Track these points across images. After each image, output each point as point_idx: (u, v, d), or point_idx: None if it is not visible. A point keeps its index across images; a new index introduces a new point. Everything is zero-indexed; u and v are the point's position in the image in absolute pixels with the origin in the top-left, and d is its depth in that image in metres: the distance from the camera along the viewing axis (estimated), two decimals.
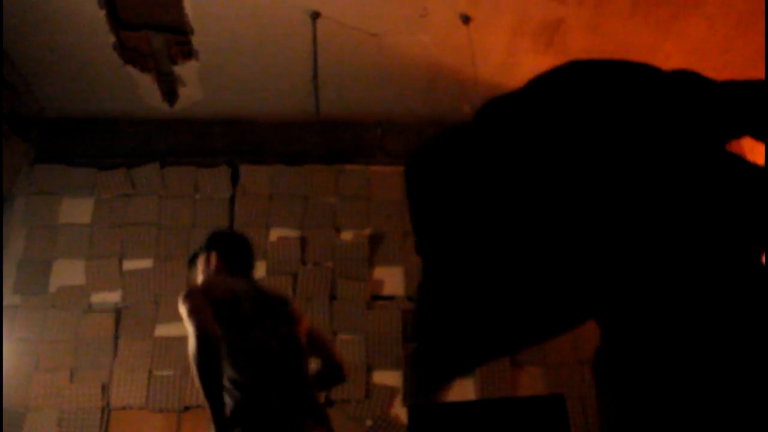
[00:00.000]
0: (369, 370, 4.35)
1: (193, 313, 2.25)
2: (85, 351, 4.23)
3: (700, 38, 4.61)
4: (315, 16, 4.23)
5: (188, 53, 4.51)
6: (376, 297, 4.60)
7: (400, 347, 4.40)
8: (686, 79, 1.37)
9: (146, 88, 4.76)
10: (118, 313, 4.35)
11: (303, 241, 4.71)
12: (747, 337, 1.01)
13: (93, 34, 4.28)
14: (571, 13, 4.35)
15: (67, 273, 4.50)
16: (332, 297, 4.54)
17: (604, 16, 4.38)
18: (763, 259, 1.14)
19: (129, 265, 4.52)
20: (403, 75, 4.76)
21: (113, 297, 4.45)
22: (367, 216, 4.85)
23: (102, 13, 4.13)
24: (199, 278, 2.83)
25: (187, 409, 4.13)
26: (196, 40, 4.40)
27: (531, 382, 4.40)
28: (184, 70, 4.64)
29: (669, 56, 4.75)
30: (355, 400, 4.25)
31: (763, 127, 1.29)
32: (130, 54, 4.50)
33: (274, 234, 4.73)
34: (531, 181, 1.18)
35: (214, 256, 2.81)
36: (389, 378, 4.34)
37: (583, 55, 4.79)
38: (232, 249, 2.86)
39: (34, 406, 4.09)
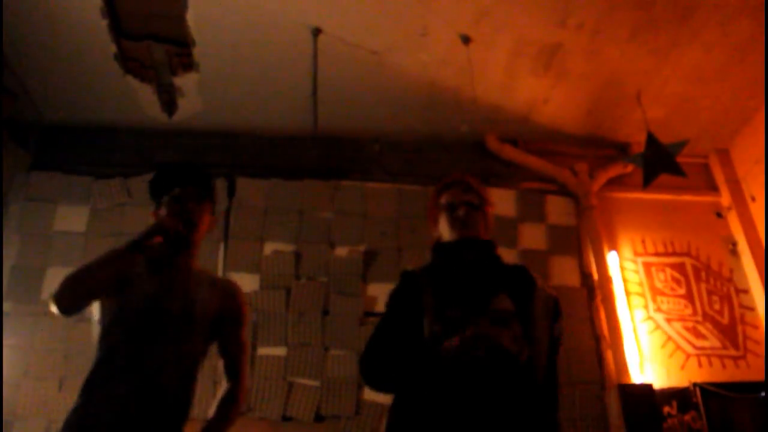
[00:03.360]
0: (360, 386, 4.32)
1: None
2: (75, 360, 4.20)
3: (698, 65, 4.65)
4: (316, 32, 4.25)
5: (189, 65, 4.53)
6: (368, 313, 4.58)
7: None
8: None
9: (146, 98, 4.78)
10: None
11: (297, 256, 4.70)
12: None
13: (94, 43, 4.30)
14: (570, 38, 4.39)
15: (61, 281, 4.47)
16: (325, 312, 4.53)
17: (602, 41, 4.42)
18: None
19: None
20: (402, 93, 4.79)
21: None
22: (362, 232, 4.85)
23: (104, 23, 4.15)
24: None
25: None
26: (197, 52, 4.42)
27: None
28: (184, 81, 4.65)
29: (666, 82, 4.79)
30: (346, 416, 4.23)
31: None
32: (130, 64, 4.52)
33: (269, 247, 4.73)
34: None
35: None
36: (380, 395, 4.31)
37: (581, 79, 4.89)
38: None
39: (22, 414, 4.06)
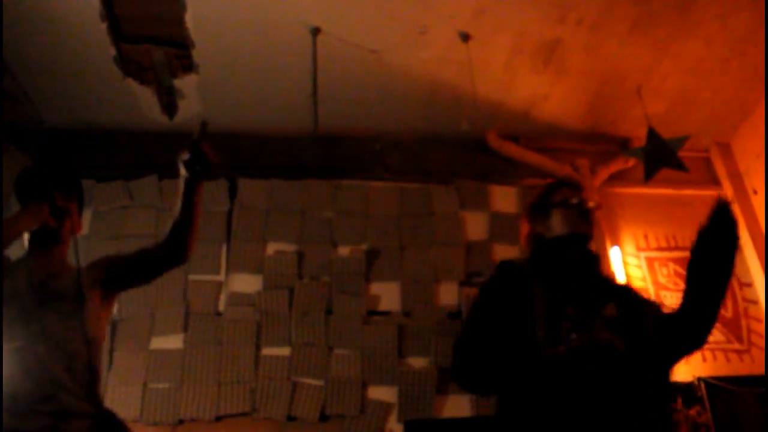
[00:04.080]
0: (364, 385, 4.33)
1: None
2: None
3: (698, 58, 4.65)
4: (315, 31, 4.25)
5: (188, 67, 4.53)
6: (372, 312, 4.59)
7: (395, 363, 4.39)
8: None
9: (146, 100, 4.78)
10: (113, 325, 4.32)
11: (300, 256, 4.70)
12: None
13: (94, 46, 4.30)
14: (570, 33, 4.38)
15: None
16: (328, 312, 4.53)
17: (602, 36, 4.42)
18: None
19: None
20: (402, 91, 4.79)
21: None
22: (364, 231, 4.85)
23: (103, 26, 4.15)
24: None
25: (181, 422, 4.10)
26: (196, 54, 4.42)
27: None
28: (184, 83, 4.66)
29: (667, 76, 4.79)
30: (350, 415, 4.23)
31: None
32: (130, 67, 4.52)
33: (271, 248, 4.73)
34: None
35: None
36: (384, 394, 4.32)
37: (581, 75, 4.87)
38: None
39: None
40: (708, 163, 5.53)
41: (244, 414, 4.16)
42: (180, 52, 4.44)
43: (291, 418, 4.19)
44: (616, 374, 1.98)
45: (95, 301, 2.35)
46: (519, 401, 2.05)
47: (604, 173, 5.21)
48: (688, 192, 5.29)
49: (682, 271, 4.99)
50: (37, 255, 2.37)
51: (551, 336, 2.01)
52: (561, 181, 2.41)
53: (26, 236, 2.39)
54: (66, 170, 2.58)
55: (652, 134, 4.45)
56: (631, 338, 2.06)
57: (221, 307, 4.48)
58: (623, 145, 5.33)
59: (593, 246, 2.33)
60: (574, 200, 2.30)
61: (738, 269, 5.03)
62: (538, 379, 1.98)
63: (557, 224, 2.28)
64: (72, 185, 2.53)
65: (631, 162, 5.19)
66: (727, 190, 5.30)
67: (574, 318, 2.04)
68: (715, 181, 5.42)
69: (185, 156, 2.40)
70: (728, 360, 4.71)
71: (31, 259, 2.36)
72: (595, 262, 2.29)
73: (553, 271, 2.19)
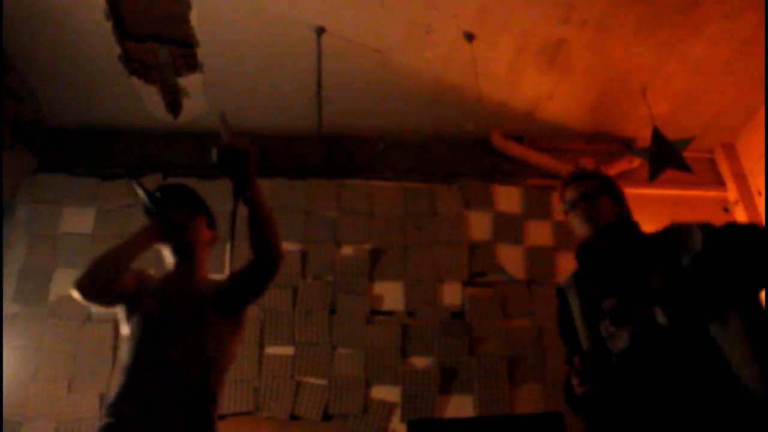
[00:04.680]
0: (367, 385, 4.33)
1: None
2: (84, 361, 4.22)
3: (703, 59, 4.64)
4: (320, 31, 4.26)
5: (193, 65, 4.54)
6: (375, 312, 4.59)
7: (399, 362, 4.39)
8: None
9: (150, 99, 4.79)
10: (117, 323, 4.32)
11: (303, 255, 4.71)
12: None
13: (99, 44, 4.31)
14: (574, 33, 4.38)
15: (68, 283, 4.41)
16: (332, 311, 4.54)
17: (606, 36, 4.41)
18: None
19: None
20: (406, 91, 4.79)
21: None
22: (367, 230, 4.85)
23: (108, 25, 4.17)
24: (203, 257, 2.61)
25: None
26: (201, 53, 4.43)
27: (530, 399, 4.38)
28: (189, 82, 4.67)
29: (671, 77, 4.78)
30: (354, 415, 4.23)
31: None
32: (135, 65, 4.53)
33: None
34: None
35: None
36: (388, 393, 4.33)
37: (585, 75, 4.87)
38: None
39: (31, 415, 4.08)
40: (712, 163, 5.51)
41: (248, 413, 4.17)
42: (185, 51, 4.45)
43: (294, 417, 4.20)
44: (665, 355, 1.85)
45: (208, 322, 2.38)
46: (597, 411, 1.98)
47: (608, 173, 5.19)
48: (693, 193, 5.28)
49: None
50: (175, 272, 2.53)
51: (595, 340, 2.00)
52: (564, 180, 2.32)
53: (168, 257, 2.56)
54: (185, 189, 2.70)
55: (657, 135, 4.45)
56: (682, 299, 1.88)
57: None
58: (627, 146, 5.32)
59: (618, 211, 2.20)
60: (572, 195, 2.24)
61: None
62: (601, 386, 1.91)
63: (575, 227, 2.25)
64: (193, 204, 2.64)
65: (636, 162, 5.18)
66: (732, 191, 5.28)
67: (612, 312, 2.00)
68: (719, 182, 5.41)
69: (215, 160, 2.46)
70: None
71: (167, 277, 2.51)
72: (633, 237, 2.15)
73: (583, 272, 2.17)
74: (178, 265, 2.53)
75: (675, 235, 2.03)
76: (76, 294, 2.30)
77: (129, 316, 2.40)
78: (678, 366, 1.84)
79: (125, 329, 2.41)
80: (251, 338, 4.36)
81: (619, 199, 2.25)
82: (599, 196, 2.20)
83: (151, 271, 2.77)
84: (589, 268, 2.16)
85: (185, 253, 2.54)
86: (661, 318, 1.89)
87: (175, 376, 2.23)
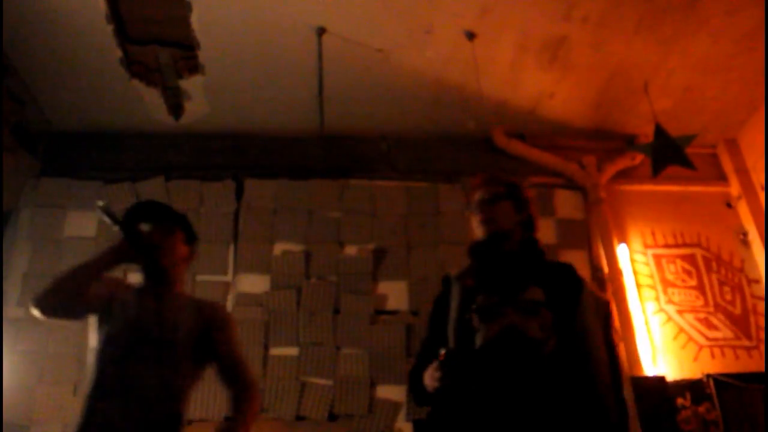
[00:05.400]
0: (372, 384, 4.34)
1: None
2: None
3: (704, 55, 4.63)
4: (321, 31, 4.26)
5: (194, 68, 4.54)
6: (379, 311, 4.60)
7: (403, 362, 4.39)
8: None
9: (152, 102, 4.79)
10: None
11: (307, 255, 4.71)
12: None
13: (100, 48, 4.31)
14: (575, 30, 4.37)
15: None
16: (336, 311, 4.54)
17: (607, 33, 4.40)
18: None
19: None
20: (407, 90, 4.78)
21: None
22: (371, 230, 4.86)
23: (110, 28, 4.17)
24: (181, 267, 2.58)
25: (190, 423, 4.08)
26: (202, 55, 4.43)
27: None
28: (190, 84, 4.67)
29: (673, 73, 4.77)
30: (359, 415, 4.24)
31: None
32: (136, 68, 4.53)
33: (279, 248, 4.74)
34: None
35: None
36: (393, 393, 4.33)
37: (587, 72, 4.86)
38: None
39: (37, 419, 4.09)
40: (715, 159, 5.50)
41: (255, 412, 4.17)
42: (186, 54, 4.45)
43: (300, 418, 4.21)
44: (528, 362, 1.92)
45: (182, 353, 2.38)
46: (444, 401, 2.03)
47: (610, 170, 5.20)
48: (696, 188, 5.28)
49: (690, 268, 5.00)
50: (150, 293, 2.47)
51: (462, 333, 2.04)
52: (470, 186, 2.39)
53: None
54: (159, 206, 2.66)
55: (659, 131, 4.45)
56: (558, 322, 1.98)
57: (229, 307, 4.49)
58: (630, 142, 5.31)
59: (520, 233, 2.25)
60: (476, 198, 2.29)
61: (746, 265, 5.02)
62: (457, 377, 1.95)
63: (474, 228, 2.29)
64: (167, 221, 2.57)
65: (638, 159, 5.18)
66: (735, 186, 5.28)
67: (481, 308, 2.04)
68: (722, 177, 5.40)
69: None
70: (737, 357, 4.69)
71: (142, 295, 2.46)
72: (527, 250, 2.23)
73: (474, 269, 2.22)
74: (152, 287, 2.49)
75: (569, 275, 2.19)
76: (35, 312, 2.26)
77: (100, 326, 2.37)
78: (532, 373, 1.92)
79: (93, 339, 2.38)
80: (256, 339, 4.36)
81: (522, 208, 2.28)
82: (499, 202, 2.24)
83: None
84: (477, 263, 2.22)
85: (158, 276, 2.49)
86: (533, 329, 1.96)
87: (145, 403, 2.22)
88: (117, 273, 2.57)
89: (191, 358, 2.40)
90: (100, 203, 2.43)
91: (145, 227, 2.51)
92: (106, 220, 2.42)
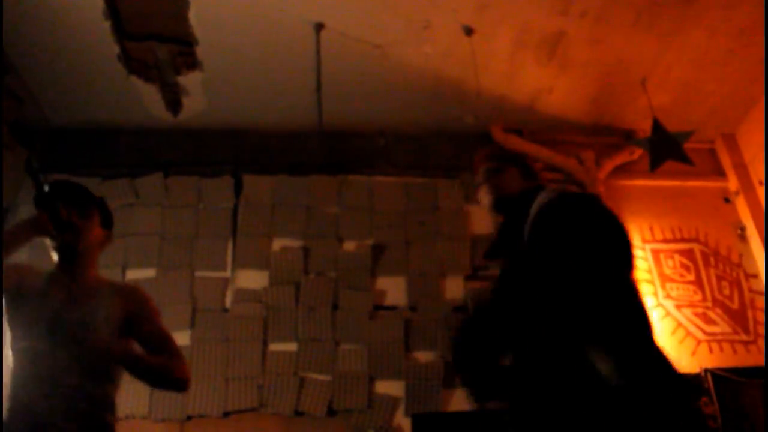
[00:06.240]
0: (371, 380, 4.34)
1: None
2: None
3: (702, 50, 4.63)
4: (319, 27, 4.25)
5: (192, 64, 4.54)
6: (378, 307, 4.60)
7: (402, 357, 4.40)
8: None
9: (150, 98, 4.78)
10: None
11: (306, 251, 4.71)
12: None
13: (98, 44, 4.30)
14: (573, 26, 4.37)
15: None
16: (335, 307, 4.54)
17: (605, 28, 4.40)
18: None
19: (132, 274, 4.51)
20: (406, 86, 4.78)
21: None
22: (369, 226, 4.86)
23: (107, 24, 4.16)
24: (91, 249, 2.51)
25: (189, 418, 4.12)
26: (200, 51, 4.43)
27: None
28: (188, 80, 4.66)
29: (670, 68, 4.78)
30: (358, 410, 4.25)
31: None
32: (134, 64, 4.53)
33: (277, 244, 4.74)
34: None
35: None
36: (392, 388, 4.34)
37: (585, 67, 4.85)
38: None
39: None
40: (713, 154, 5.51)
41: (252, 409, 4.18)
42: (184, 50, 4.44)
43: (298, 414, 4.21)
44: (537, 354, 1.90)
45: (102, 338, 2.33)
46: None
47: (609, 165, 5.20)
48: (694, 183, 5.29)
49: (688, 263, 5.00)
50: (62, 274, 2.42)
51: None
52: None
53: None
54: (77, 187, 2.58)
55: (657, 126, 4.45)
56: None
57: (228, 303, 4.50)
58: (628, 137, 5.32)
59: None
60: (480, 170, 2.29)
61: (744, 260, 5.03)
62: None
63: (481, 199, 2.32)
64: (85, 203, 2.52)
65: (636, 154, 5.19)
66: (733, 181, 5.28)
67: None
68: (720, 173, 5.41)
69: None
70: (735, 351, 4.70)
71: (56, 278, 2.40)
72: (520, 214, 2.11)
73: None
74: (64, 269, 2.44)
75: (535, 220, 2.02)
76: None
77: (12, 318, 2.32)
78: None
79: (9, 334, 2.33)
80: (254, 335, 4.37)
81: (530, 175, 2.27)
82: (505, 169, 2.23)
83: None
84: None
85: (71, 258, 2.44)
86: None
87: (70, 392, 2.20)
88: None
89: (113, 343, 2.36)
90: (27, 158, 2.39)
91: (60, 205, 2.41)
92: (31, 185, 2.39)
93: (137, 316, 2.45)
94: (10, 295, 2.31)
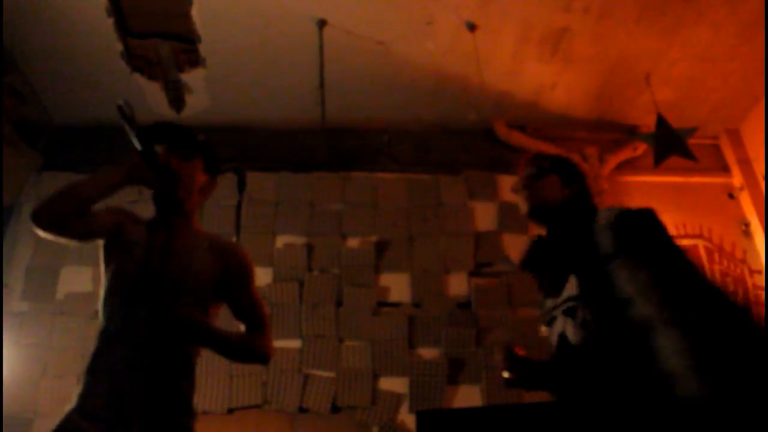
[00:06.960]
0: (375, 376, 4.34)
1: None
2: None
3: (705, 45, 4.62)
4: (322, 24, 4.25)
5: (195, 61, 4.54)
6: (382, 303, 4.60)
7: (406, 353, 4.40)
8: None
9: (153, 95, 4.79)
10: None
11: (309, 248, 4.72)
12: None
13: (101, 42, 4.31)
14: (576, 22, 4.37)
15: (75, 280, 4.52)
16: (338, 303, 4.55)
17: (609, 24, 4.40)
18: None
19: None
20: (409, 82, 4.78)
21: None
22: (373, 222, 4.86)
23: (110, 22, 4.17)
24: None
25: None
26: (203, 48, 4.43)
27: None
28: (191, 77, 4.67)
29: (674, 64, 4.76)
30: (362, 406, 4.25)
31: None
32: (137, 62, 4.53)
33: (281, 240, 4.74)
34: None
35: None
36: (395, 384, 4.34)
37: (588, 63, 4.84)
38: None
39: (41, 412, 4.10)
40: (717, 149, 5.50)
41: (256, 406, 4.19)
42: (187, 47, 4.45)
43: (302, 410, 4.22)
44: (583, 367, 1.83)
45: (197, 297, 2.12)
46: None
47: (612, 161, 5.19)
48: (698, 179, 5.27)
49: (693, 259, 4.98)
50: (161, 224, 2.19)
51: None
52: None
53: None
54: (178, 128, 2.35)
55: (661, 121, 4.44)
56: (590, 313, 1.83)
57: None
58: (631, 133, 5.31)
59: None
60: (521, 175, 2.20)
61: (748, 256, 5.02)
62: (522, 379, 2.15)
63: (521, 206, 2.24)
64: (187, 145, 2.29)
65: (640, 150, 5.18)
66: (737, 177, 5.27)
67: (543, 316, 2.09)
68: (724, 168, 5.40)
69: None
70: None
71: (154, 228, 2.18)
72: (558, 226, 2.07)
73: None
74: (163, 219, 2.21)
75: (597, 230, 1.92)
76: (34, 226, 1.99)
77: (106, 264, 2.12)
78: (599, 379, 1.79)
79: (103, 277, 2.12)
80: None
81: (571, 181, 2.14)
82: (543, 176, 2.14)
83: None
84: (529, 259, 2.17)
85: (170, 206, 2.21)
86: (570, 332, 1.90)
87: (152, 348, 1.96)
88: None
89: (205, 301, 2.14)
90: (120, 101, 2.10)
91: (162, 149, 2.21)
92: (125, 125, 2.10)
93: (234, 277, 2.22)
94: (105, 232, 2.12)
